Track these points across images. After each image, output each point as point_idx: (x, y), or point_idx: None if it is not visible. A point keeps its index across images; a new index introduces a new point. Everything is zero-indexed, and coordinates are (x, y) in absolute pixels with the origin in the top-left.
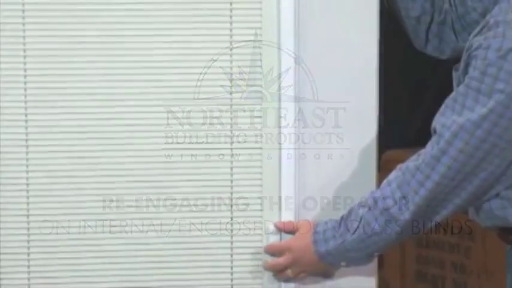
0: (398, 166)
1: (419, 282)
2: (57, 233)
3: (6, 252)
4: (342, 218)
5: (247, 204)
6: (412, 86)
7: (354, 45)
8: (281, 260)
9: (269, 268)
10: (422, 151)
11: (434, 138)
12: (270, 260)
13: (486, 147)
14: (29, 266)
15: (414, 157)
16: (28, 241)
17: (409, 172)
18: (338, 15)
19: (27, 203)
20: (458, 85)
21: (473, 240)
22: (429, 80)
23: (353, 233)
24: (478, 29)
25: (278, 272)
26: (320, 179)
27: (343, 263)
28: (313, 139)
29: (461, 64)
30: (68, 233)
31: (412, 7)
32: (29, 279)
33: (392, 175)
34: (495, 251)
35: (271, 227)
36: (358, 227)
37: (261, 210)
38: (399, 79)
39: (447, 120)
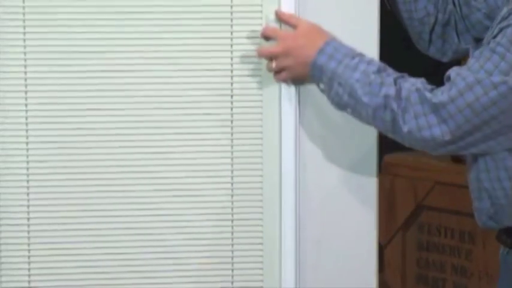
0: (415, 81)
1: (420, 285)
2: (57, 230)
3: (7, 250)
4: (359, 55)
5: (248, 213)
6: None
7: (354, 46)
8: (271, 47)
9: (260, 53)
10: (434, 87)
11: (447, 84)
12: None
13: (494, 112)
14: (29, 263)
15: (427, 86)
16: (28, 237)
17: (418, 96)
18: (338, 15)
19: (28, 200)
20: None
21: (473, 243)
22: (430, 81)
23: (357, 81)
24: None
25: (267, 59)
26: (321, 181)
27: (321, 85)
28: (314, 142)
29: (494, 31)
30: (69, 229)
31: (415, 9)
32: (29, 275)
33: (408, 83)
34: (495, 254)
35: (272, 16)
36: (364, 84)
37: (261, 211)
38: None
39: (463, 71)
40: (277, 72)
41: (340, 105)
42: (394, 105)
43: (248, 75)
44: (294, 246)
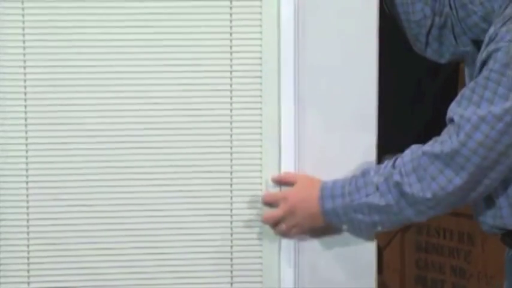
0: (412, 148)
1: (419, 287)
2: (57, 231)
3: (6, 249)
4: (353, 177)
5: (247, 214)
6: (412, 89)
7: (354, 46)
8: (276, 212)
9: (265, 220)
10: (438, 138)
11: (452, 129)
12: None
13: (506, 141)
14: (28, 264)
15: (430, 142)
16: (28, 238)
17: (428, 158)
18: (338, 15)
19: (27, 200)
20: (472, 78)
21: (473, 244)
22: (429, 84)
23: (366, 196)
24: (501, 21)
25: (273, 225)
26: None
27: (344, 226)
28: (313, 143)
29: (483, 54)
30: (68, 230)
31: (413, 11)
32: (28, 276)
33: (407, 156)
34: (495, 255)
35: (270, 182)
36: (374, 192)
37: (260, 213)
38: (399, 83)
39: (465, 111)
40: (288, 231)
41: (371, 228)
42: (408, 185)
43: (247, 76)
44: (293, 248)
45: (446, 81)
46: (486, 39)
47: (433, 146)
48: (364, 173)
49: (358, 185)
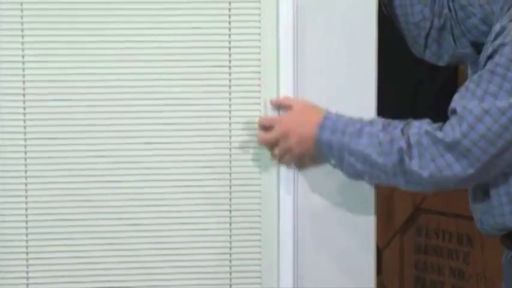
0: (422, 122)
1: None
2: (55, 226)
3: (5, 247)
4: (360, 121)
5: (246, 210)
6: (411, 90)
7: (353, 47)
8: (270, 134)
9: (260, 142)
10: (440, 124)
11: (455, 120)
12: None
13: (507, 137)
14: (27, 266)
15: (435, 126)
16: (27, 238)
17: (430, 139)
18: (337, 16)
19: (26, 198)
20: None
21: (471, 246)
22: (428, 85)
23: (366, 147)
24: (508, 17)
25: (269, 148)
26: (319, 184)
27: (332, 161)
28: None
29: (488, 49)
30: (67, 225)
31: (412, 13)
32: (27, 271)
33: (415, 128)
34: (494, 257)
35: (268, 103)
36: (374, 147)
37: (259, 211)
38: (398, 83)
39: (469, 103)
40: (280, 156)
41: (357, 175)
42: (408, 156)
43: (246, 72)
44: (292, 249)
45: (446, 81)
46: (492, 36)
47: (436, 131)
48: (373, 123)
49: (363, 130)
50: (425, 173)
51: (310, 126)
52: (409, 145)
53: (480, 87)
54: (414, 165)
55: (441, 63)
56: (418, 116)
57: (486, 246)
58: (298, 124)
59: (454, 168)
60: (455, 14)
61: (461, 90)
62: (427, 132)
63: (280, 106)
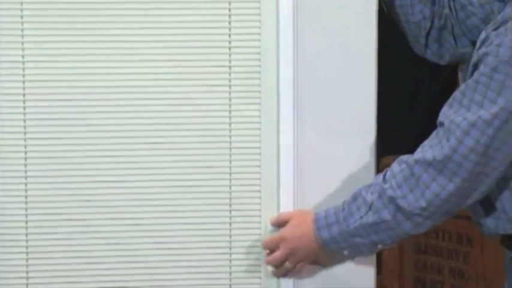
0: (400, 159)
1: None
2: (55, 226)
3: (5, 247)
4: (344, 202)
5: (246, 209)
6: (410, 91)
7: (352, 47)
8: (277, 254)
9: (268, 263)
10: (427, 142)
11: (442, 133)
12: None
13: (496, 146)
14: (27, 266)
15: (419, 150)
16: (26, 237)
17: (420, 166)
18: (337, 16)
19: (25, 197)
20: (465, 81)
21: (471, 245)
22: (428, 85)
23: (361, 218)
24: (492, 26)
25: (277, 266)
26: (319, 185)
27: (345, 252)
28: (312, 142)
29: (474, 57)
30: (67, 226)
31: (412, 13)
32: (27, 272)
33: (395, 168)
34: (494, 257)
35: (270, 226)
36: (366, 212)
37: (260, 211)
38: (398, 85)
39: (456, 116)
40: (297, 270)
41: (374, 247)
42: (401, 196)
43: (246, 72)
44: None
45: (445, 82)
46: (478, 44)
47: (425, 153)
48: (356, 196)
49: (351, 209)
50: (422, 203)
51: (310, 234)
52: (395, 188)
53: (466, 97)
54: (410, 201)
55: (442, 62)
56: (418, 116)
57: (486, 246)
58: (300, 237)
59: (448, 188)
60: (456, 13)
61: (450, 101)
62: (417, 161)
63: (279, 223)
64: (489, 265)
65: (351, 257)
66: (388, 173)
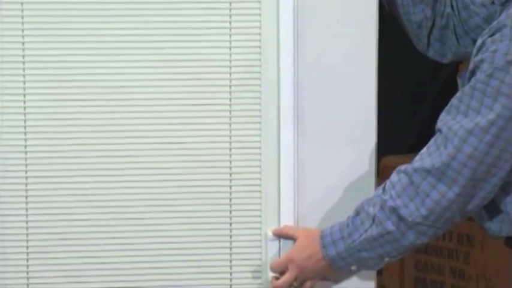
0: (399, 169)
1: None
2: (56, 224)
3: (5, 245)
4: (348, 218)
5: (246, 210)
6: (411, 91)
7: (353, 46)
8: (286, 276)
9: (277, 287)
10: (425, 150)
11: (440, 140)
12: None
13: (495, 153)
14: (27, 266)
15: (418, 158)
16: (26, 234)
17: (419, 175)
18: (337, 16)
19: (26, 196)
20: (463, 85)
21: (472, 245)
22: (429, 86)
23: (365, 231)
24: (488, 32)
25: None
26: (319, 185)
27: (353, 267)
28: (312, 142)
29: (471, 64)
30: (67, 223)
31: (413, 12)
32: (27, 271)
33: (394, 178)
34: (494, 257)
35: (270, 234)
36: (371, 225)
37: (260, 211)
38: (398, 85)
39: (453, 122)
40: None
41: (381, 261)
42: (402, 205)
43: (246, 72)
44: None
45: (446, 82)
46: (474, 51)
47: (423, 161)
48: (358, 210)
49: (355, 224)
50: (423, 211)
51: (317, 254)
52: (395, 198)
53: (463, 103)
54: (412, 210)
55: (445, 61)
56: (418, 116)
57: (486, 246)
58: (307, 257)
59: (448, 195)
60: (458, 13)
61: (447, 107)
62: (416, 169)
63: (283, 237)
64: (489, 265)
65: (358, 271)
66: (388, 183)
